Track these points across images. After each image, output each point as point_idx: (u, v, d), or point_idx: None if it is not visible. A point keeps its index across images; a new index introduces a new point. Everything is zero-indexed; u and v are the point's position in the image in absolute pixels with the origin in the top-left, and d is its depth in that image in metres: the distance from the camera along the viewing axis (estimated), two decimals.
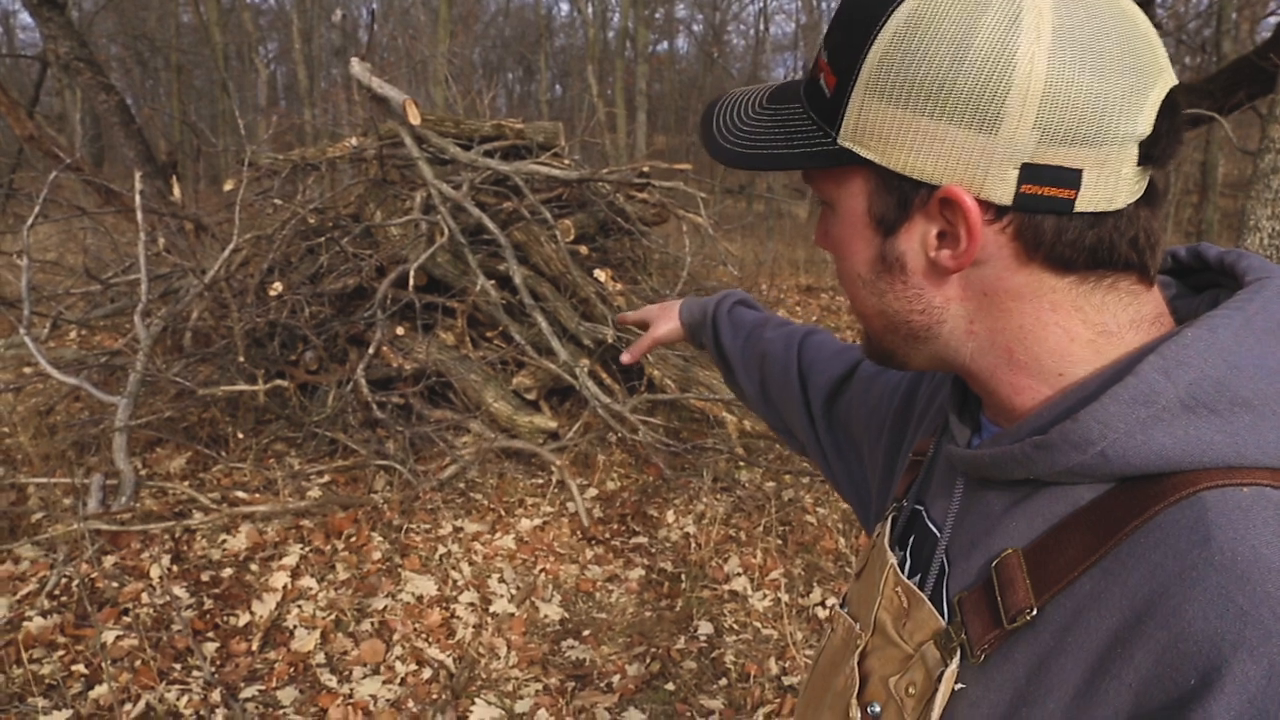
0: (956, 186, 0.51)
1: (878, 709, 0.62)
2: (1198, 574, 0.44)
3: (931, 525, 0.65)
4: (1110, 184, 0.50)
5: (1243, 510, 0.45)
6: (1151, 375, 0.49)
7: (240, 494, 3.88)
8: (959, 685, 0.55)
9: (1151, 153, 0.50)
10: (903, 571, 0.65)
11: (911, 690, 0.58)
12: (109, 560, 3.32)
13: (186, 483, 3.95)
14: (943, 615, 0.58)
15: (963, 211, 0.51)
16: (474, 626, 3.10)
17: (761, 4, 24.35)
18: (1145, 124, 0.49)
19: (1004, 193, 0.50)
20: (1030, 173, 0.50)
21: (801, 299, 9.10)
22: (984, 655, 0.53)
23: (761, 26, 24.98)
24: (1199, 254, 0.60)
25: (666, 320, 1.17)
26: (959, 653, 0.55)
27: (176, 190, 5.95)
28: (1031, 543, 0.53)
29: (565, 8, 25.09)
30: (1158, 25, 7.92)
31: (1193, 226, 12.49)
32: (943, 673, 0.55)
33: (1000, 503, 0.57)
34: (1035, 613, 0.50)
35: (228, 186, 5.31)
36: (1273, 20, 11.21)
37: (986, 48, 0.48)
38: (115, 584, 3.17)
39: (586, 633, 3.12)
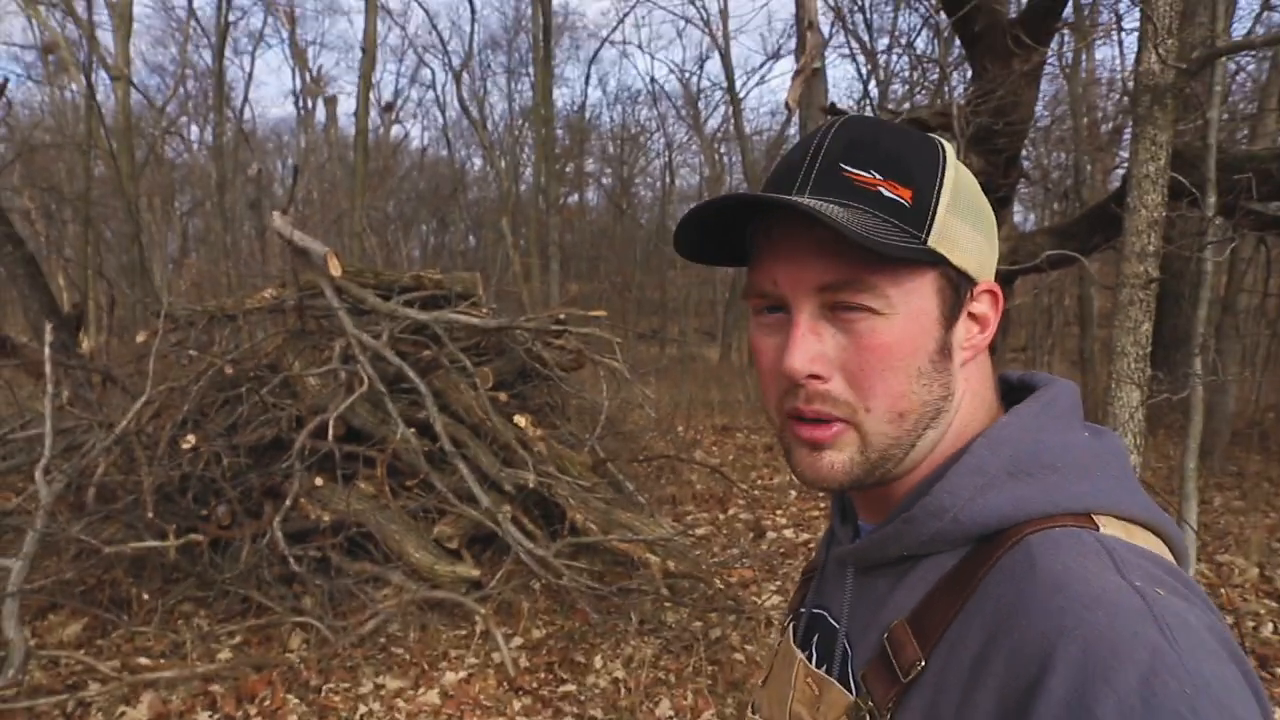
0: (988, 280, 0.68)
1: None
2: (1029, 591, 0.56)
3: (831, 621, 0.75)
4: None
5: (1055, 542, 0.59)
6: (981, 452, 0.64)
7: (143, 660, 3.67)
8: None
9: None
10: (811, 665, 0.74)
11: None
12: None
13: (82, 650, 3.71)
14: (851, 692, 0.67)
15: (994, 299, 0.69)
16: None
17: (666, 158, 25.73)
18: None
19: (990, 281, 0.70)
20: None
21: (718, 438, 9.27)
22: (889, 714, 0.62)
23: (667, 179, 26.30)
24: (1006, 378, 0.76)
25: None
26: (869, 718, 0.64)
27: (85, 343, 5.82)
28: (913, 610, 0.64)
29: (478, 162, 25.98)
30: (1025, 176, 8.73)
31: (1077, 355, 13.29)
32: None
33: (885, 584, 0.68)
34: (924, 664, 0.61)
35: (140, 338, 5.24)
36: (1120, 172, 12.46)
37: (977, 187, 0.69)
38: None
39: None
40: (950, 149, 0.68)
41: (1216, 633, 0.54)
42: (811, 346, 0.64)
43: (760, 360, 0.69)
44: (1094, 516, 0.61)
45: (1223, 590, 4.60)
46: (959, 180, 0.66)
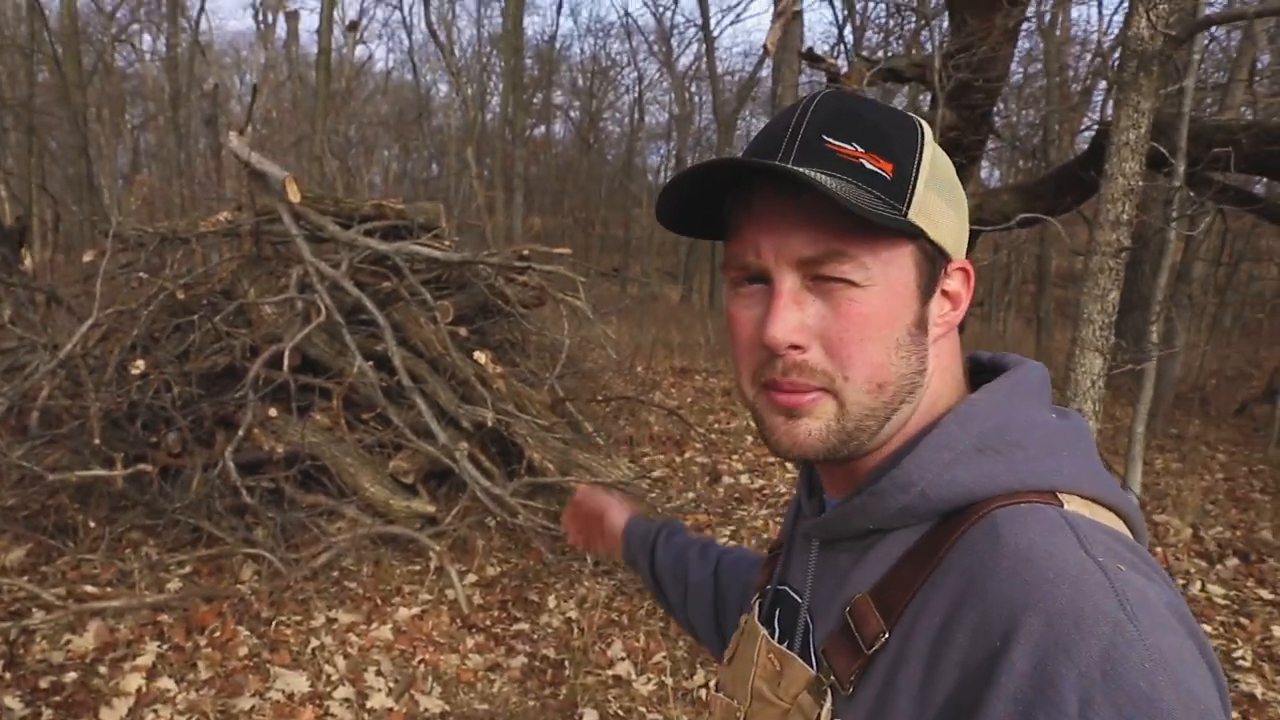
0: (960, 259, 0.69)
1: None
2: (993, 563, 0.57)
3: (794, 596, 0.75)
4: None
5: (1021, 516, 0.59)
6: (950, 427, 0.65)
7: (89, 588, 3.61)
8: None
9: None
10: (773, 640, 0.74)
11: None
12: None
13: (26, 577, 3.65)
14: (812, 666, 0.68)
15: (965, 277, 0.69)
16: None
17: (636, 94, 25.27)
18: None
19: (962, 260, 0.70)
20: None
21: (677, 380, 9.30)
22: (852, 686, 0.63)
23: (636, 116, 25.86)
24: (977, 358, 0.76)
25: (615, 518, 1.28)
26: (830, 693, 0.64)
27: (27, 259, 5.60)
28: (875, 583, 0.64)
29: (444, 89, 25.27)
30: (994, 132, 8.73)
31: (1032, 313, 13.55)
32: (819, 714, 0.64)
33: (848, 559, 0.69)
34: (887, 636, 0.61)
35: (87, 257, 5.05)
36: (1087, 135, 12.54)
37: (952, 167, 0.70)
38: None
39: None
40: (928, 128, 0.68)
41: (1175, 609, 0.55)
42: (792, 317, 0.63)
43: (737, 332, 0.68)
44: (1059, 494, 0.62)
45: (1158, 549, 4.77)
46: (936, 158, 0.67)
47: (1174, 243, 4.23)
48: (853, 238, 0.62)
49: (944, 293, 0.68)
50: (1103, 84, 12.70)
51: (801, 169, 0.61)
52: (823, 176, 0.61)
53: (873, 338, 0.63)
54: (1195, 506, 5.39)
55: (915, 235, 0.64)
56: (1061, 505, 0.60)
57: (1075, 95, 13.37)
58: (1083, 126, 13.15)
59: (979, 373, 0.74)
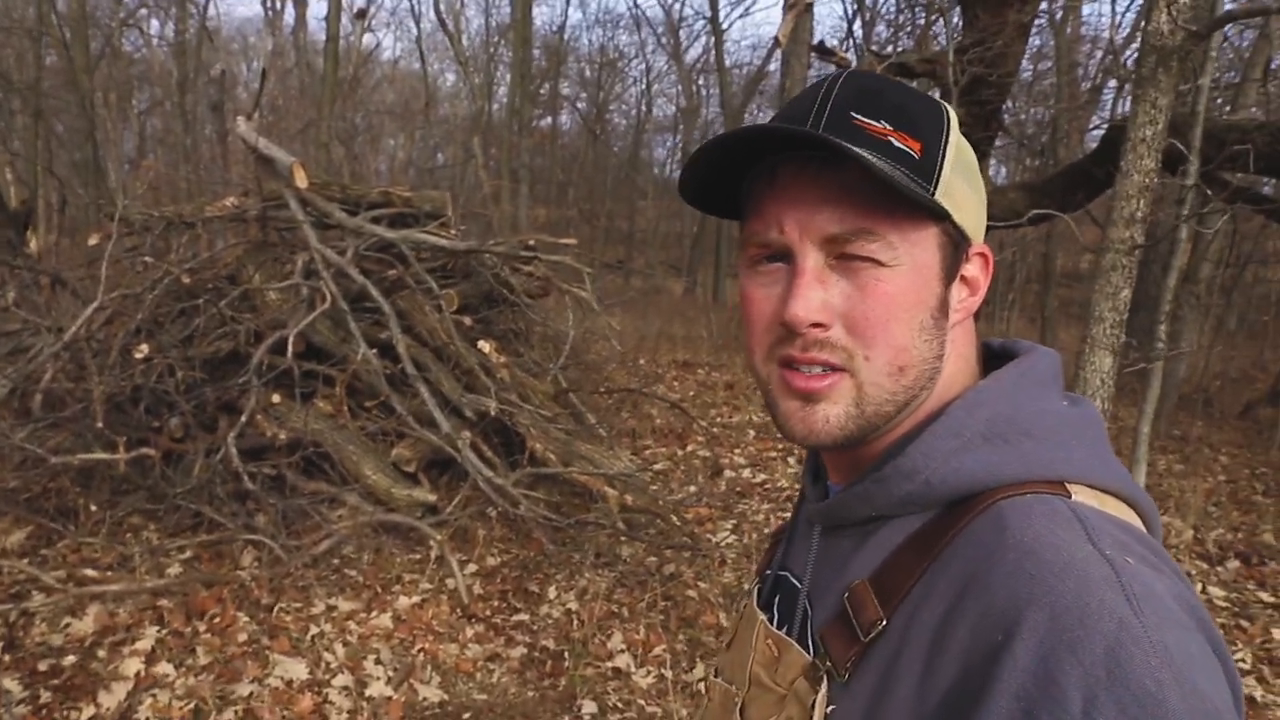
0: (980, 244, 0.67)
1: None
2: (998, 555, 0.55)
3: (794, 581, 0.74)
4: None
5: (1027, 507, 0.58)
6: (958, 414, 0.63)
7: (89, 572, 3.61)
8: (831, 707, 0.62)
9: None
10: (772, 625, 0.73)
11: None
12: None
13: (26, 560, 3.64)
14: (809, 652, 0.66)
15: (984, 263, 0.68)
16: (348, 712, 2.96)
17: (644, 86, 25.20)
18: None
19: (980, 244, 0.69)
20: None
21: (680, 374, 9.28)
22: (848, 673, 0.61)
23: (643, 108, 25.79)
24: (989, 345, 0.75)
25: None
26: (826, 679, 0.63)
27: (33, 243, 5.59)
28: (875, 570, 0.63)
29: (451, 78, 25.23)
30: (1004, 129, 8.71)
31: (1035, 312, 13.51)
32: (814, 700, 0.63)
33: (850, 544, 0.67)
34: (885, 623, 0.60)
35: (92, 241, 5.04)
36: (1096, 133, 12.48)
37: (972, 152, 0.68)
38: None
39: (467, 715, 3.02)
40: (953, 111, 0.67)
41: (1184, 602, 0.53)
42: (816, 295, 0.62)
43: (752, 311, 0.66)
44: (1067, 484, 0.60)
45: None
46: (960, 142, 0.66)
47: (1184, 243, 4.19)
48: (881, 216, 0.61)
49: (963, 278, 0.67)
50: (1112, 82, 12.64)
51: (836, 139, 0.60)
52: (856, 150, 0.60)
53: (899, 318, 0.62)
54: (1197, 508, 5.37)
55: (942, 217, 0.63)
56: (1069, 496, 0.59)
57: (1085, 93, 13.30)
58: (1091, 125, 13.09)
59: (990, 359, 0.72)
